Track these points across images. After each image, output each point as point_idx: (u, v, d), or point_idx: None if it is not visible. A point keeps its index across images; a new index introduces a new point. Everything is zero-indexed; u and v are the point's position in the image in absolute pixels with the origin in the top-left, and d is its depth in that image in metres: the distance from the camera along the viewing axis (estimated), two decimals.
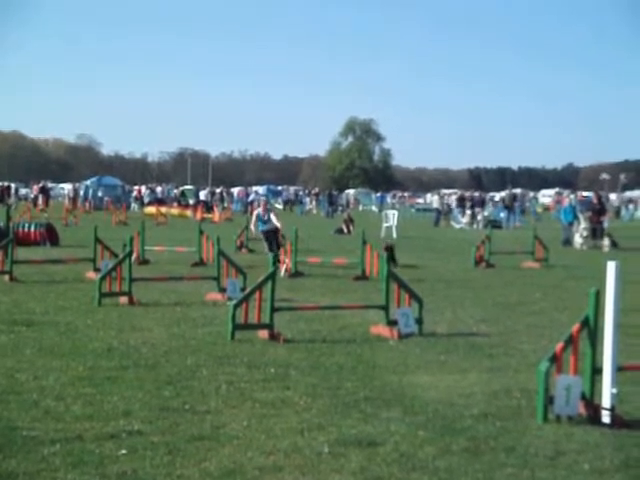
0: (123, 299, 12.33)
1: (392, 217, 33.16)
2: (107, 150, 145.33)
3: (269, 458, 5.35)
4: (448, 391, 7.34)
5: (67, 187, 73.73)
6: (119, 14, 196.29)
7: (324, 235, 31.59)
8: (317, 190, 77.87)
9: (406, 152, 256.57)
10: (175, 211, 49.63)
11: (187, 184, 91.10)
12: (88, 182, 64.72)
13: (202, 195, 63.41)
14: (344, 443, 5.68)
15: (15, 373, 7.48)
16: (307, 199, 72.34)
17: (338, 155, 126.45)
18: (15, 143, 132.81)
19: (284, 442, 5.69)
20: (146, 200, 59.62)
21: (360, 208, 75.75)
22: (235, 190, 78.31)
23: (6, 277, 14.78)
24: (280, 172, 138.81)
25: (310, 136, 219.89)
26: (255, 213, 21.02)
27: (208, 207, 49.74)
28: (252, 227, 20.57)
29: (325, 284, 15.54)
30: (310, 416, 6.37)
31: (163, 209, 46.62)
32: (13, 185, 71.65)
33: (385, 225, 32.85)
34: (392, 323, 10.18)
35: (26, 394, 6.75)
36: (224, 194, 68.63)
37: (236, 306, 9.62)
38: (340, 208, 59.71)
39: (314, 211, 64.89)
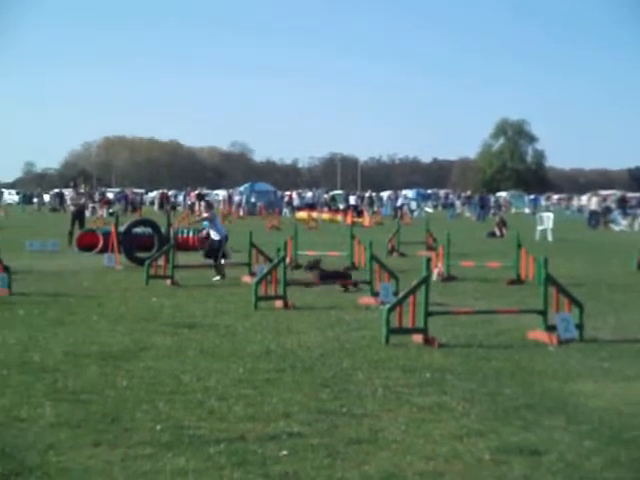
0: (278, 303, 12.57)
1: (547, 220, 32.20)
2: (259, 157, 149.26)
3: (429, 463, 5.30)
4: (614, 399, 7.04)
5: (222, 193, 76.27)
6: (274, 24, 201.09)
7: (476, 238, 31.11)
8: (469, 193, 76.80)
9: (561, 153, 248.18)
10: (326, 216, 50.25)
11: (337, 189, 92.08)
12: (242, 188, 66.54)
13: (352, 200, 63.88)
14: (505, 451, 5.55)
15: (180, 374, 7.76)
16: (457, 202, 71.49)
17: (489, 157, 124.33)
18: (173, 152, 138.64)
19: (443, 448, 5.62)
20: (297, 205, 60.76)
21: (512, 211, 74.15)
22: (384, 194, 78.46)
23: (168, 281, 15.40)
24: (429, 175, 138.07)
25: (460, 139, 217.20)
26: None
27: (358, 211, 50.08)
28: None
29: (479, 288, 15.29)
30: (469, 422, 6.27)
31: (314, 214, 47.34)
32: (173, 192, 74.76)
33: (539, 228, 31.95)
34: (551, 328, 9.87)
35: (191, 394, 6.99)
36: (373, 198, 68.93)
37: (390, 310, 9.60)
38: (492, 211, 58.68)
39: (466, 214, 64.06)
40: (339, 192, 77.40)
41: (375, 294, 13.07)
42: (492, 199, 71.78)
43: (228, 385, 7.37)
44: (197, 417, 6.27)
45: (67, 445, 5.50)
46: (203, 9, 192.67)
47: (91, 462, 5.19)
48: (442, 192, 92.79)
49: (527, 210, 71.78)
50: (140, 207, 58.92)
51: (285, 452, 5.45)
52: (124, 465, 5.15)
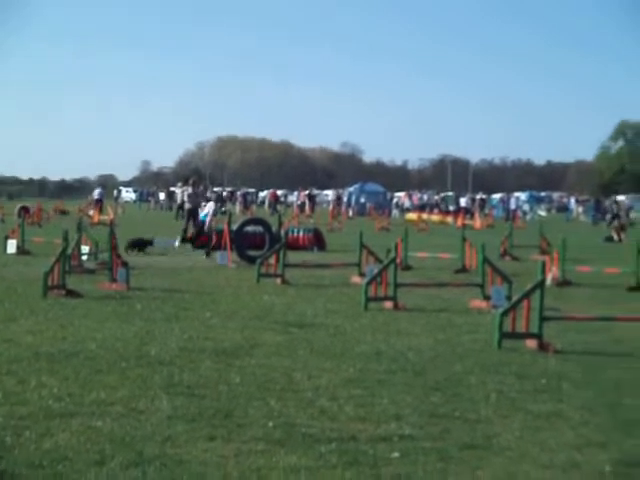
0: (388, 304, 12.49)
1: None
2: (369, 157, 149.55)
3: (545, 472, 5.15)
4: None
5: (330, 194, 76.75)
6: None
7: (593, 243, 30.22)
8: (586, 197, 74.54)
9: None
10: (436, 218, 49.83)
11: (447, 190, 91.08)
12: (351, 189, 66.83)
13: (463, 202, 63.07)
14: (629, 464, 5.33)
15: (291, 372, 7.80)
16: (574, 206, 69.53)
17: (607, 160, 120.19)
18: (284, 152, 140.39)
19: (560, 457, 5.45)
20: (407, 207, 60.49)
21: (632, 215, 71.53)
22: (496, 196, 77.13)
23: (278, 280, 15.53)
24: (542, 178, 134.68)
25: (576, 141, 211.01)
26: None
27: (469, 214, 49.47)
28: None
29: (596, 294, 14.81)
30: (587, 432, 6.06)
31: (424, 215, 47.01)
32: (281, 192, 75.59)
33: None
34: None
35: (302, 393, 7.02)
36: (485, 200, 67.84)
37: (503, 314, 9.40)
38: (608, 215, 56.79)
39: (581, 218, 62.25)
40: (450, 194, 76.56)
41: (486, 297, 12.83)
42: (610, 203, 69.44)
43: (338, 385, 7.36)
44: (308, 415, 6.29)
45: (183, 438, 5.60)
46: None
47: (206, 456, 5.27)
48: (556, 195, 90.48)
49: None
50: (251, 206, 59.91)
51: (397, 454, 5.39)
52: (238, 460, 5.20)
